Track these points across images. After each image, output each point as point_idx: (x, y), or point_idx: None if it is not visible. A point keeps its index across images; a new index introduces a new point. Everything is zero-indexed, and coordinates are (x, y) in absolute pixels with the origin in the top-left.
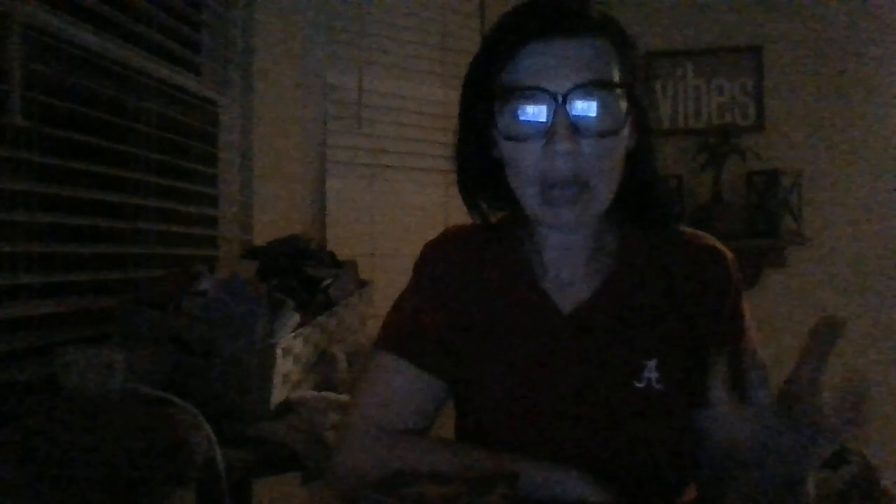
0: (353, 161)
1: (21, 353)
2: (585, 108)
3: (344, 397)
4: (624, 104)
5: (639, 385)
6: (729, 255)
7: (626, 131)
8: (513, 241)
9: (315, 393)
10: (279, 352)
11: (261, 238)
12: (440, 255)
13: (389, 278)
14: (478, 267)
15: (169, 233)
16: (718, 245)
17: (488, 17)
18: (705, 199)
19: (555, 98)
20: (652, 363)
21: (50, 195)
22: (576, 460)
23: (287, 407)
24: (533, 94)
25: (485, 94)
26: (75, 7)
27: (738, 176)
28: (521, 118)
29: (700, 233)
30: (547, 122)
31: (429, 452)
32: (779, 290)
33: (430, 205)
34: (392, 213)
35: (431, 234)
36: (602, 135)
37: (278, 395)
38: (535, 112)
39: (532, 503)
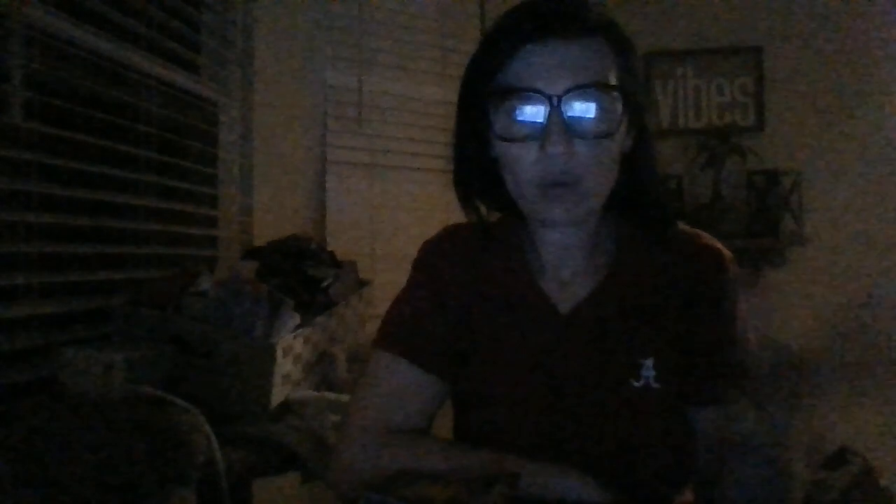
0: (353, 161)
1: (21, 353)
2: (581, 110)
3: (344, 397)
4: (620, 107)
5: (636, 384)
6: (727, 254)
7: (621, 133)
8: (511, 240)
9: (315, 393)
10: (279, 352)
11: (261, 238)
12: (439, 254)
13: (389, 278)
14: (476, 266)
15: (169, 233)
16: (716, 244)
17: (488, 17)
18: (705, 199)
19: (550, 100)
20: (649, 362)
21: (50, 195)
22: (573, 459)
23: (287, 407)
24: (528, 95)
25: (482, 94)
26: (75, 7)
27: (738, 176)
28: (517, 119)
29: (698, 232)
30: (542, 123)
31: (429, 452)
32: (779, 290)
33: (430, 205)
34: (392, 213)
35: (431, 234)
36: (597, 137)
37: (278, 395)
38: (531, 113)
39: (532, 503)
